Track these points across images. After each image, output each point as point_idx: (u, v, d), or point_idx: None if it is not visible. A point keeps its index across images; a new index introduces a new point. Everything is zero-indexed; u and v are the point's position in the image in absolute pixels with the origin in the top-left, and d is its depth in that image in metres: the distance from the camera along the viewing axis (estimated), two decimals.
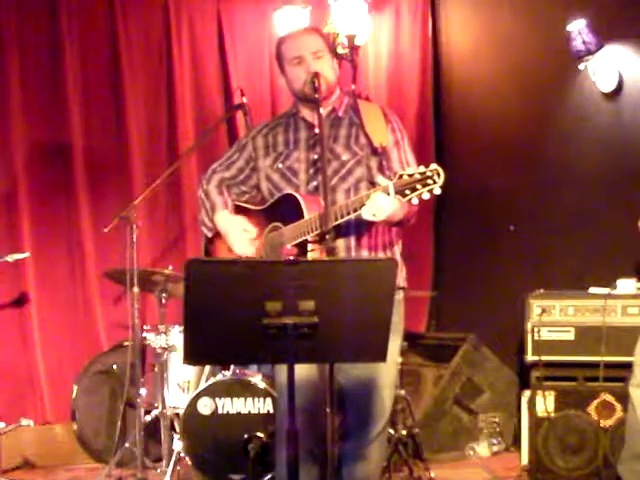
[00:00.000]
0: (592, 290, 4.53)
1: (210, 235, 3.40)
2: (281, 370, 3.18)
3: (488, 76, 5.81)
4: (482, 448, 5.09)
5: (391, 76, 6.07)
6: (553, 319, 4.49)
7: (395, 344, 3.20)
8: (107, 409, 5.06)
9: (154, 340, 4.54)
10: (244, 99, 4.94)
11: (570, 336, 4.46)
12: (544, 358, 4.47)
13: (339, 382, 3.15)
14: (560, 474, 4.40)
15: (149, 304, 5.18)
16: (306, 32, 3.40)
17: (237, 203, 3.38)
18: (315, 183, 3.22)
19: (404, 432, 4.61)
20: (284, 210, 3.20)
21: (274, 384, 3.91)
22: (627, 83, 4.92)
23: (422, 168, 2.89)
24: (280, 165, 3.29)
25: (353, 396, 3.24)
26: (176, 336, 4.57)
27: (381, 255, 3.22)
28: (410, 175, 2.89)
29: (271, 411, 4.30)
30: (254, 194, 3.41)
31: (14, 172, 5.37)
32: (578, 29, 4.87)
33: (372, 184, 3.16)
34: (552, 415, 4.42)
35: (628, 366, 3.87)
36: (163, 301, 4.57)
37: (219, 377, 4.45)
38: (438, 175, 2.86)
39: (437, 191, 2.86)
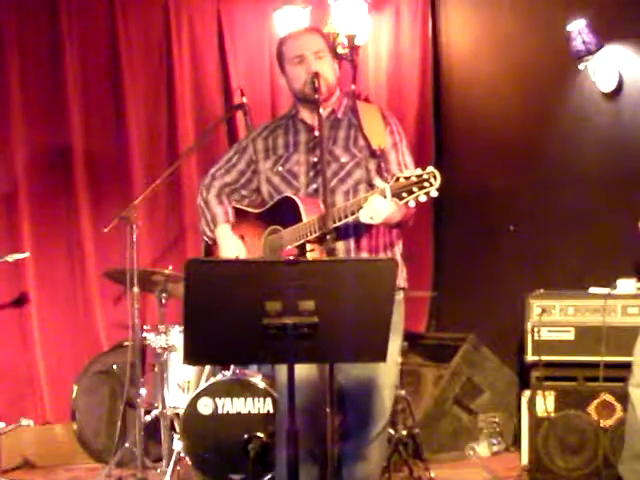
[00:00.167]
0: (592, 290, 4.54)
1: (211, 243, 3.40)
2: (281, 370, 3.17)
3: (488, 76, 5.81)
4: (482, 448, 5.09)
5: (391, 76, 6.06)
6: (553, 319, 4.48)
7: (395, 344, 3.20)
8: (107, 409, 5.06)
9: (154, 340, 4.54)
10: (244, 99, 4.94)
11: (570, 336, 4.46)
12: (544, 358, 4.47)
13: (339, 382, 3.15)
14: (560, 474, 4.40)
15: (149, 304, 5.17)
16: (308, 32, 3.40)
17: (237, 206, 3.38)
18: (315, 186, 3.21)
19: (404, 432, 4.61)
20: (283, 213, 3.19)
21: (274, 384, 3.91)
22: (627, 83, 4.92)
23: (419, 171, 2.88)
24: (280, 168, 3.28)
25: (353, 396, 3.24)
26: (176, 336, 4.57)
27: (382, 256, 3.22)
28: (407, 178, 2.88)
29: (271, 411, 4.30)
30: (254, 198, 3.40)
31: (14, 172, 5.37)
32: (578, 29, 4.87)
33: (371, 186, 3.16)
34: (552, 415, 4.42)
35: (628, 366, 3.87)
36: (163, 301, 4.56)
37: (219, 377, 4.44)
38: (435, 178, 2.86)
39: (434, 194, 2.86)
